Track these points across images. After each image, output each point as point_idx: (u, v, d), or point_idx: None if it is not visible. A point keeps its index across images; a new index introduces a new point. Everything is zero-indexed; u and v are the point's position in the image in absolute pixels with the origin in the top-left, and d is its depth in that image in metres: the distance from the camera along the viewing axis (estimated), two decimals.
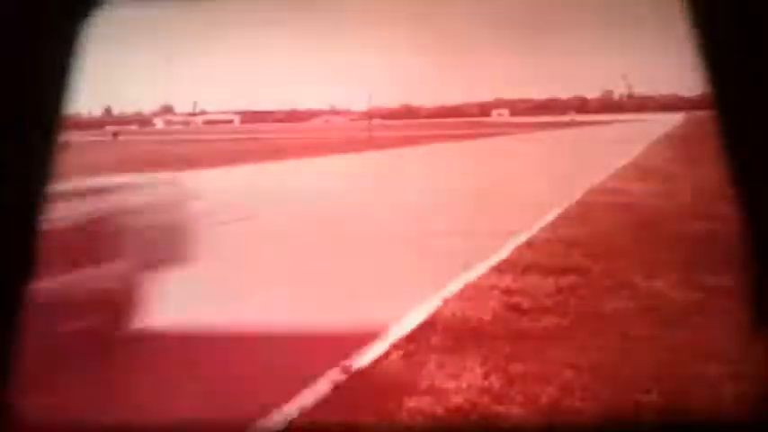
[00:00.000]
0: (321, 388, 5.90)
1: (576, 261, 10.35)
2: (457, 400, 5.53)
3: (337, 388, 5.89)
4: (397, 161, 37.24)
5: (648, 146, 40.11)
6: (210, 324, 7.93)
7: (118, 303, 7.27)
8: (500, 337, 6.98)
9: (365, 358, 6.57)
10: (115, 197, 7.69)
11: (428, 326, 7.51)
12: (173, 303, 7.88)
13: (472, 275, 9.70)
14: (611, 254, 10.80)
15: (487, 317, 7.76)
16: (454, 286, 9.11)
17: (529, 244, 12.07)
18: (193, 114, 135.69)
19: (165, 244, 7.99)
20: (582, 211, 15.68)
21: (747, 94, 1.62)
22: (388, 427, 5.23)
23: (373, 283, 9.74)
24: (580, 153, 38.41)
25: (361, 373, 6.20)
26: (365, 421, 5.29)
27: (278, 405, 5.60)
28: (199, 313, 8.21)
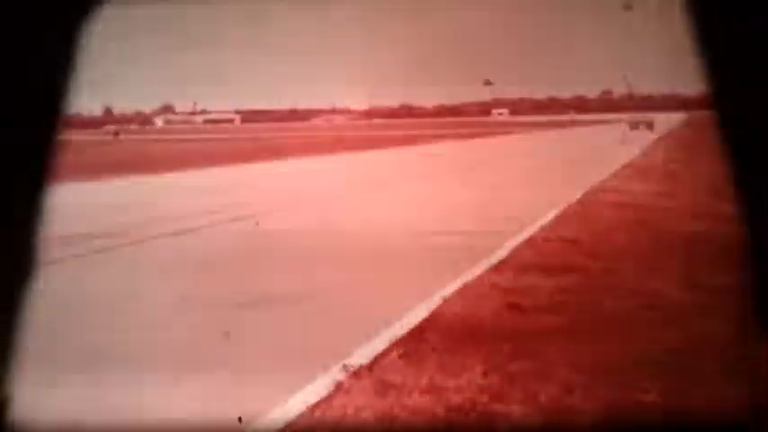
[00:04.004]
0: (321, 387, 5.90)
1: (576, 260, 10.35)
2: (457, 398, 5.53)
3: (337, 387, 5.88)
4: (396, 160, 37.22)
5: (648, 145, 40.11)
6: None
7: None
8: (500, 336, 6.98)
9: (365, 357, 6.56)
10: None
11: (428, 324, 7.51)
12: None
13: (472, 274, 9.70)
14: (610, 253, 10.80)
15: (487, 316, 7.76)
16: (454, 285, 9.11)
17: (529, 243, 12.07)
18: (194, 113, 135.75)
19: None
20: (582, 211, 15.69)
21: (747, 93, 1.62)
22: (388, 426, 5.22)
23: (373, 282, 9.74)
24: (580, 152, 38.39)
25: (361, 371, 6.20)
26: (365, 421, 5.29)
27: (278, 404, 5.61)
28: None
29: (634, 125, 64.06)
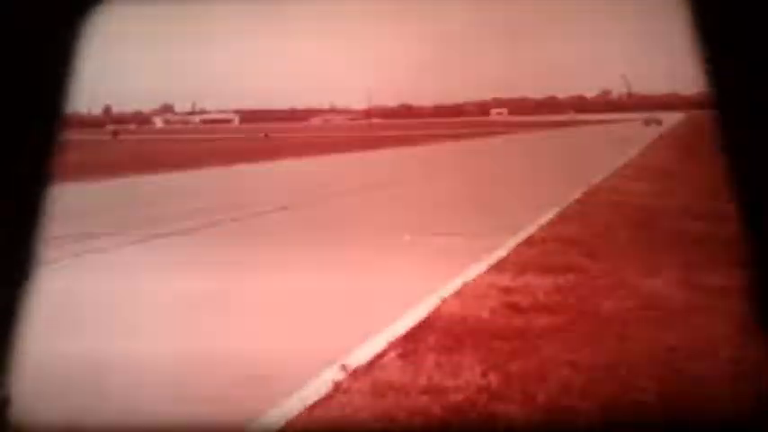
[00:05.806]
0: (320, 387, 5.89)
1: (575, 260, 10.35)
2: (455, 398, 5.53)
3: (336, 387, 5.88)
4: (396, 160, 37.23)
5: (648, 145, 40.13)
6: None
7: None
8: (498, 336, 6.98)
9: (364, 357, 6.56)
10: None
11: (427, 324, 7.51)
12: None
13: (471, 274, 9.70)
14: (609, 253, 10.80)
15: (486, 315, 7.76)
16: (453, 285, 9.10)
17: (528, 243, 12.07)
18: (193, 113, 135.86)
19: None
20: (581, 210, 15.69)
21: (747, 92, 1.62)
22: (386, 426, 5.22)
23: (372, 282, 9.73)
24: (579, 152, 38.41)
25: (360, 371, 6.20)
26: (364, 421, 5.29)
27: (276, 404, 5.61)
28: None
29: (647, 122, 76.65)
